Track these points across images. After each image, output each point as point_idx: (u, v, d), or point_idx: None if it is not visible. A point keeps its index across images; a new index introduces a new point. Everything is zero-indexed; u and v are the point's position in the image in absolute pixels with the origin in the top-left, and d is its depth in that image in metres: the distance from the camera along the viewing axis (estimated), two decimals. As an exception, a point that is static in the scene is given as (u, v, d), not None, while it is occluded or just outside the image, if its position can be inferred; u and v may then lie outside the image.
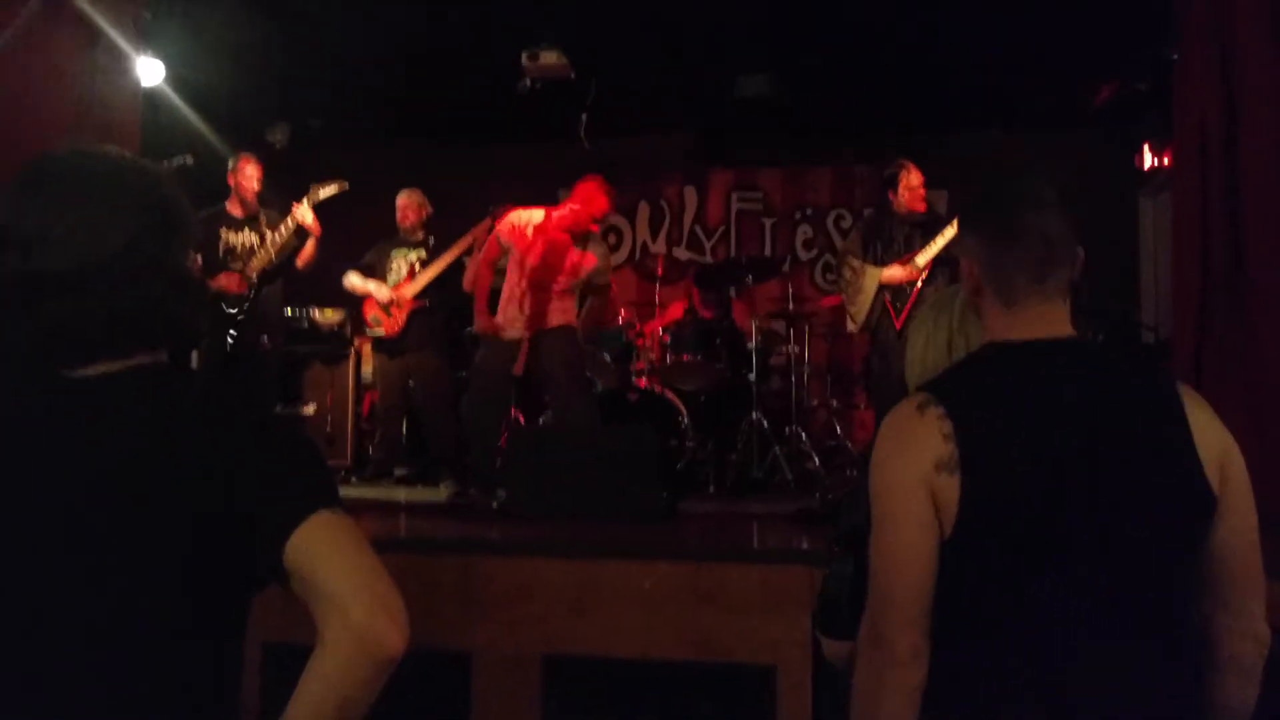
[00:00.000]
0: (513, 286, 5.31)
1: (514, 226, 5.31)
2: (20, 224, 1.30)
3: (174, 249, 1.38)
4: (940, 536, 1.52)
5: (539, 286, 5.25)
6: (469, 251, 5.86)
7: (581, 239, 5.29)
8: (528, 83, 6.21)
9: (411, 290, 5.96)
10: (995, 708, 1.52)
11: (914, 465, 1.52)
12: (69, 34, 4.62)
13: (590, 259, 5.30)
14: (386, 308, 5.97)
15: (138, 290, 1.33)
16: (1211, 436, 1.56)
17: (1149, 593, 1.52)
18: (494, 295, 5.41)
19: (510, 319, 5.29)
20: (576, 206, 5.22)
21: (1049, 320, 1.61)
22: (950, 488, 1.50)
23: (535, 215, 5.32)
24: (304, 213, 5.62)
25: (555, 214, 5.29)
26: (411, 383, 6.12)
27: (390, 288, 6.00)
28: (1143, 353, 6.37)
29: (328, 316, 6.91)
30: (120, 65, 4.82)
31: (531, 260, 5.24)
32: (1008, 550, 1.50)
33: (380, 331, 6.01)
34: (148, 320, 1.35)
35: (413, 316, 5.95)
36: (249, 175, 5.75)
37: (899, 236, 5.56)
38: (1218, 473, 1.55)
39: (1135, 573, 1.51)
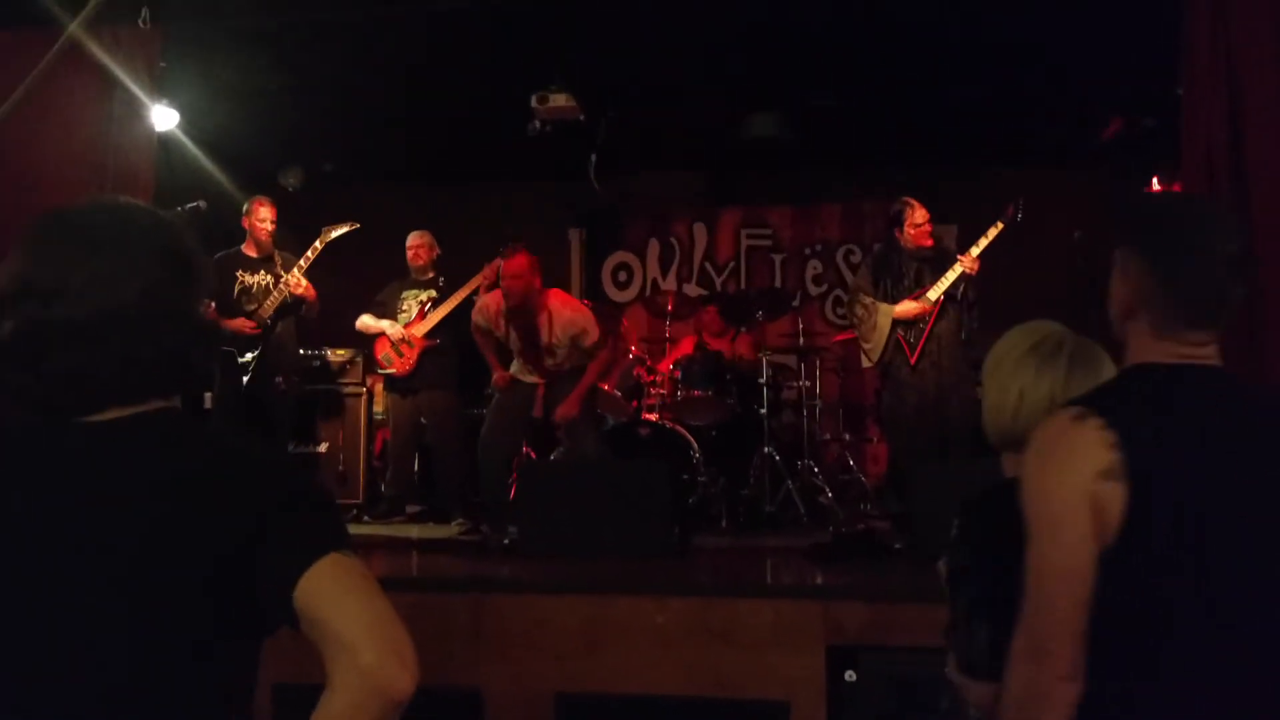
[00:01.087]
0: (515, 354, 5.53)
1: (487, 313, 5.52)
2: (39, 274, 1.33)
3: (188, 297, 1.41)
4: (1101, 546, 1.50)
5: (533, 364, 5.47)
6: (478, 291, 5.92)
7: (533, 310, 5.36)
8: (537, 124, 6.27)
9: (422, 329, 6.00)
10: None
11: (1077, 473, 1.50)
12: (86, 83, 4.71)
13: (556, 328, 5.37)
14: (398, 346, 6.01)
15: (154, 338, 1.35)
16: None
17: None
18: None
19: (522, 370, 5.51)
20: (506, 293, 5.34)
21: (1198, 348, 1.60)
22: (1114, 496, 1.48)
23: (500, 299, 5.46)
24: (299, 283, 5.72)
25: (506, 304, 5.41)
26: (423, 421, 6.15)
27: (402, 327, 6.05)
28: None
29: (340, 356, 6.95)
30: (136, 112, 4.90)
31: (515, 345, 5.48)
32: (1168, 564, 1.49)
33: (392, 370, 6.05)
34: (163, 368, 1.37)
35: (424, 355, 5.99)
36: (262, 218, 5.84)
37: (908, 272, 5.58)
38: None
39: None
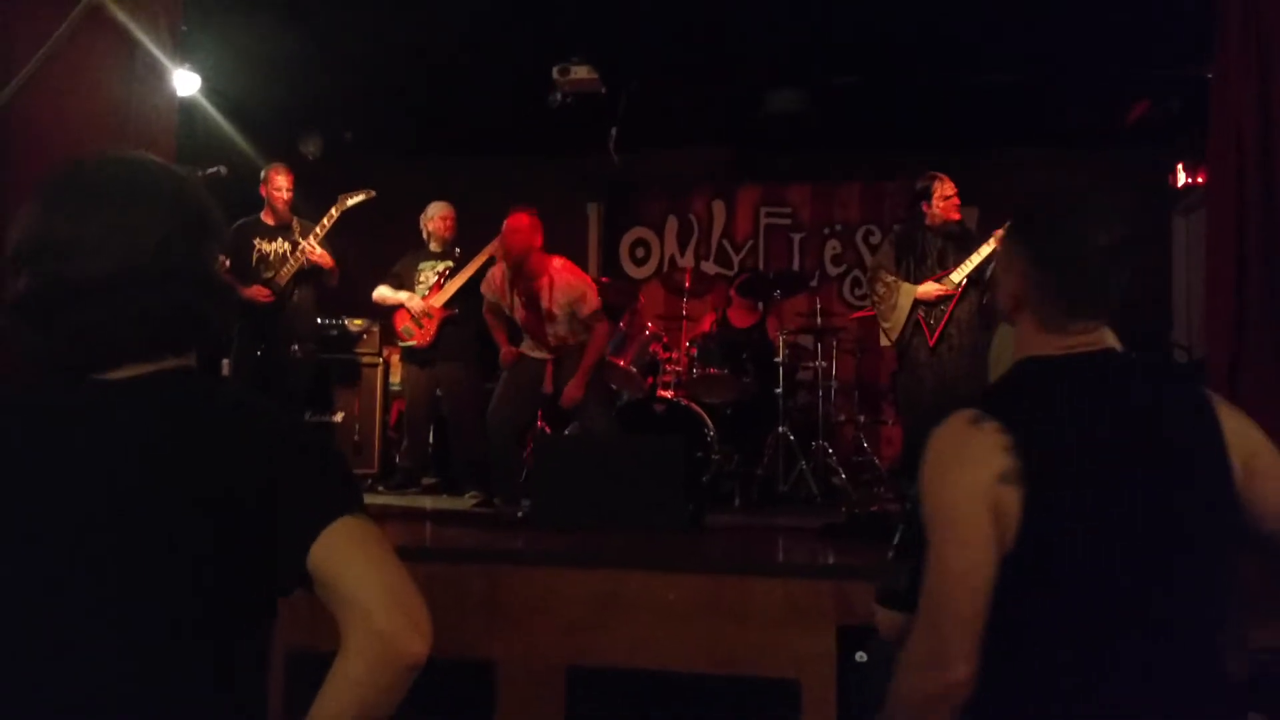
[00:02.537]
0: (522, 328, 5.51)
1: (491, 282, 5.49)
2: (54, 230, 1.31)
3: (204, 253, 1.40)
4: (1001, 550, 1.50)
5: (536, 333, 5.44)
6: (493, 260, 5.90)
7: (534, 277, 5.32)
8: (558, 96, 6.24)
9: (440, 300, 5.99)
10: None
11: (976, 478, 1.51)
12: (108, 45, 4.67)
13: (556, 292, 5.33)
14: (418, 319, 6.00)
15: (169, 294, 1.34)
16: (1243, 438, 1.59)
17: (1196, 600, 1.53)
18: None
19: (531, 346, 5.50)
20: (505, 250, 5.32)
21: (1084, 335, 1.62)
22: (1013, 500, 1.48)
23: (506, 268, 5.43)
24: (313, 250, 5.72)
25: (506, 265, 5.38)
26: (439, 392, 6.15)
27: (421, 298, 6.04)
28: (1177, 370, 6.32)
29: (358, 326, 6.96)
30: (157, 76, 4.86)
31: (518, 315, 5.45)
32: (1069, 562, 1.50)
33: (412, 343, 6.04)
34: (179, 324, 1.36)
35: (443, 326, 5.98)
36: (279, 186, 5.84)
37: (932, 250, 5.51)
38: (1243, 469, 1.57)
39: (1185, 580, 1.52)
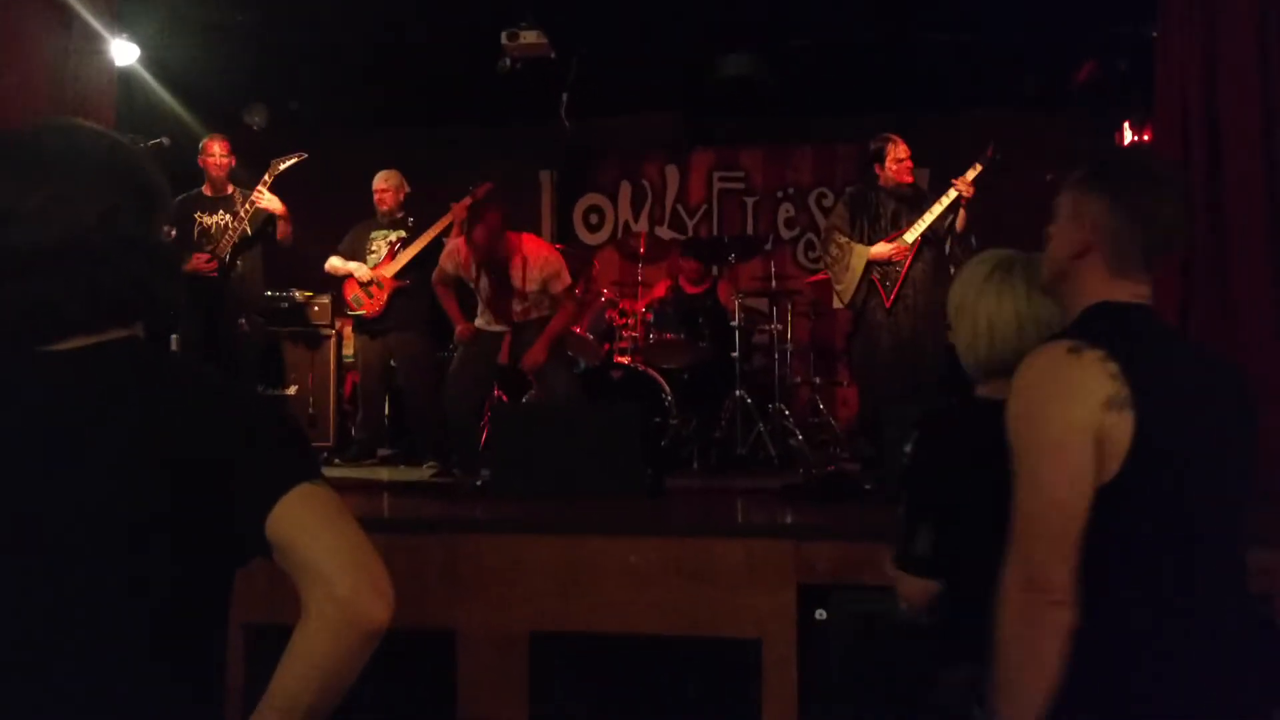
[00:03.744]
0: (482, 304, 5.44)
1: (456, 257, 5.38)
2: None
3: (150, 222, 1.37)
4: (1100, 477, 1.53)
5: (501, 311, 5.36)
6: (448, 231, 5.85)
7: (506, 258, 5.25)
8: (508, 62, 6.16)
9: (391, 270, 5.94)
10: (1147, 651, 1.56)
11: (1081, 405, 1.53)
12: (42, 16, 4.57)
13: (530, 274, 5.26)
14: (367, 288, 5.95)
15: (116, 264, 1.31)
16: None
17: (1240, 541, 1.66)
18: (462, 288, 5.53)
19: (488, 321, 5.42)
20: (473, 244, 5.22)
21: (1145, 288, 1.69)
22: (1121, 426, 1.51)
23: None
24: (261, 196, 5.62)
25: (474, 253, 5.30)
26: (393, 363, 6.11)
27: (371, 268, 5.98)
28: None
29: (308, 297, 6.88)
30: (94, 47, 4.77)
31: (484, 294, 5.37)
32: (1175, 490, 1.56)
33: (361, 312, 5.99)
34: (127, 295, 1.33)
35: (394, 297, 5.93)
36: (214, 152, 5.76)
37: (885, 212, 5.53)
38: None
39: (1241, 519, 1.65)
